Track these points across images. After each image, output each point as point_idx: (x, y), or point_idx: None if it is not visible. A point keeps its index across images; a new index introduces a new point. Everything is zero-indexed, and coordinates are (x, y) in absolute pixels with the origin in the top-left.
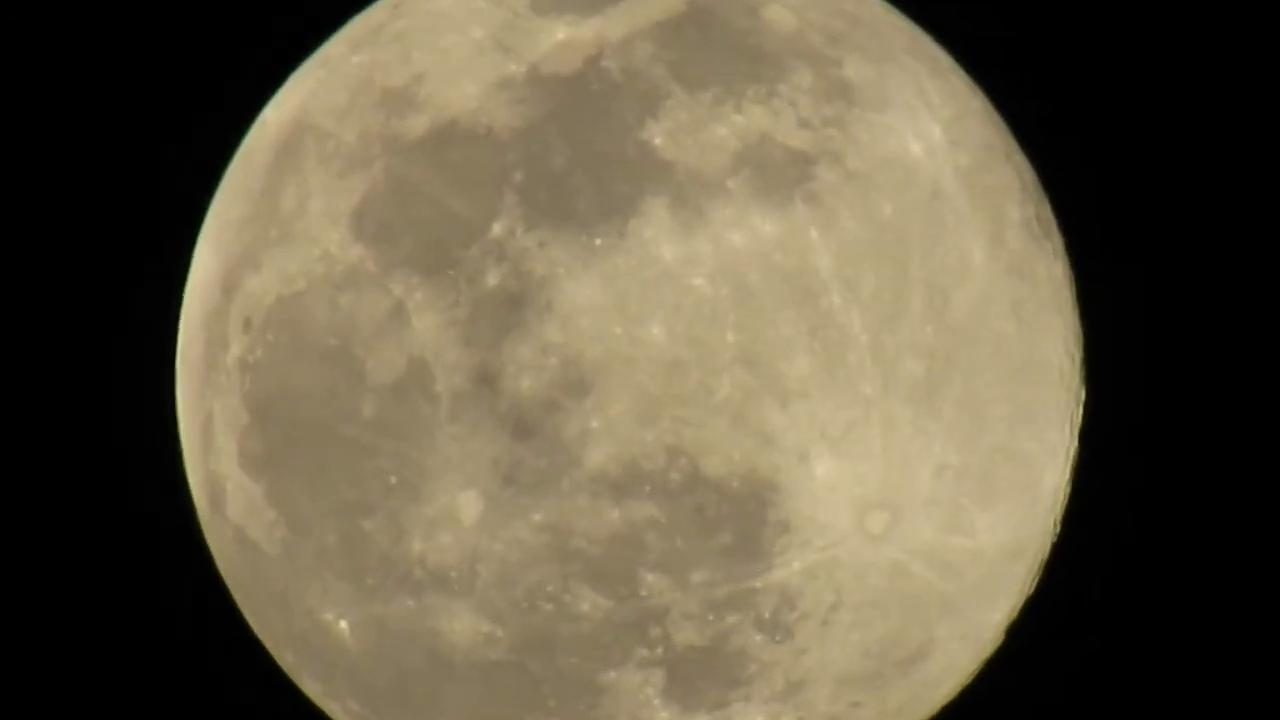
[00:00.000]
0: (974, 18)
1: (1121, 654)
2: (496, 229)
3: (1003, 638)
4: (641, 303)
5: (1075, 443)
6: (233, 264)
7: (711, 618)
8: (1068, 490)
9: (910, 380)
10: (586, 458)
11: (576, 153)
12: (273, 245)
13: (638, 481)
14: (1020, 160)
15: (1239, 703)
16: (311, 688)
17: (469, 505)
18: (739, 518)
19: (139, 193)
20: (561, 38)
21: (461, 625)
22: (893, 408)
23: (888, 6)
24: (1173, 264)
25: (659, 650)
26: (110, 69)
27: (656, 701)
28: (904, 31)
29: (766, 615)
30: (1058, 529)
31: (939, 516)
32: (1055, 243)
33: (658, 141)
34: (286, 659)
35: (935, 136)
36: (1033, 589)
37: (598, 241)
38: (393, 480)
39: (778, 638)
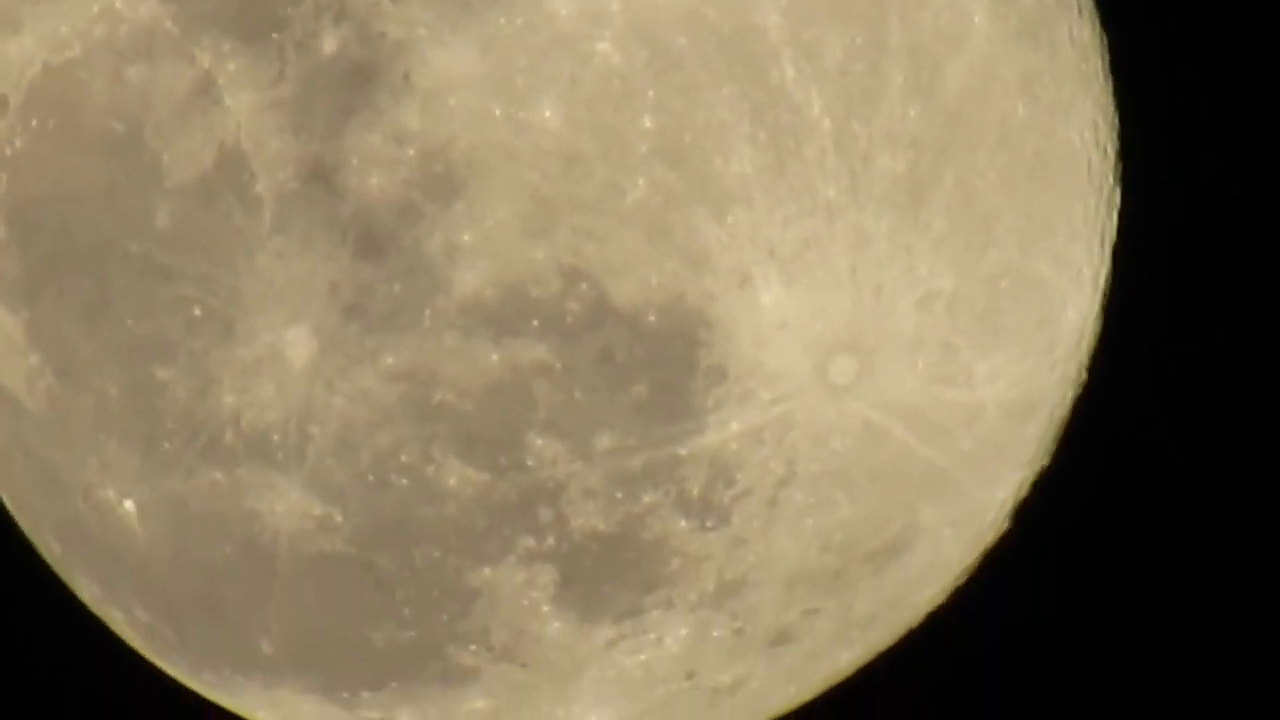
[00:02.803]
0: None
1: (1162, 546)
2: None
3: (1007, 523)
4: (529, 76)
5: (1108, 264)
6: None
7: (621, 496)
8: (1097, 328)
9: (888, 181)
10: (455, 282)
11: None
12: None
13: (524, 314)
14: None
15: None
16: (86, 590)
17: (298, 345)
18: (659, 363)
19: None
20: None
21: (287, 507)
22: (864, 217)
23: None
24: (1236, 21)
25: (550, 540)
26: None
27: (546, 609)
28: None
29: (694, 493)
30: (1083, 379)
31: (925, 362)
32: None
33: None
34: (52, 550)
35: None
36: (1048, 459)
37: None
38: (197, 312)
39: (709, 523)
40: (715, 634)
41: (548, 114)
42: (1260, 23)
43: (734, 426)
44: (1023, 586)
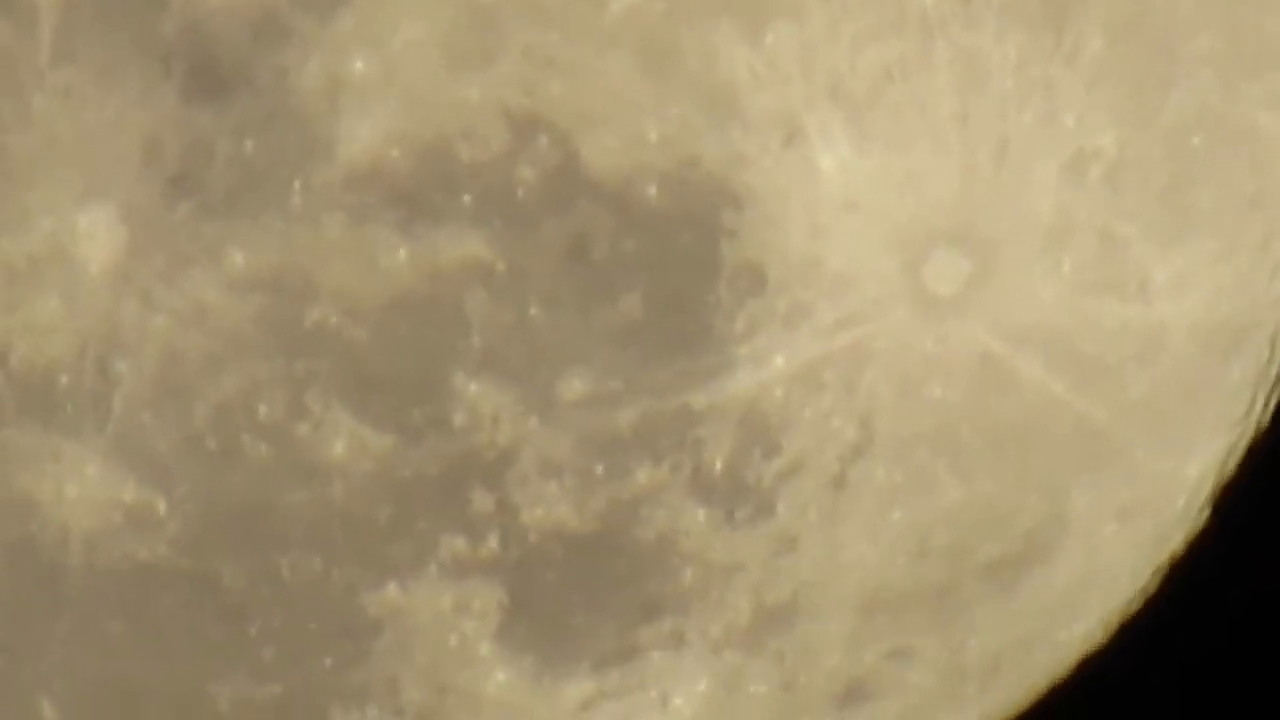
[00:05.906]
0: None
1: None
2: None
3: (1205, 517)
4: None
5: None
6: None
7: (602, 473)
8: None
9: None
10: (342, 138)
11: None
12: None
13: (449, 187)
14: None
15: None
16: None
17: (97, 237)
18: (660, 263)
19: None
20: None
21: (81, 490)
22: (979, 36)
23: None
24: None
25: (492, 542)
26: None
27: (486, 650)
28: None
29: (718, 467)
30: None
31: (1074, 262)
32: None
33: None
34: None
35: None
36: (1269, 417)
37: None
38: None
39: (740, 514)
40: (752, 689)
41: None
42: None
43: (778, 362)
44: (1228, 616)
